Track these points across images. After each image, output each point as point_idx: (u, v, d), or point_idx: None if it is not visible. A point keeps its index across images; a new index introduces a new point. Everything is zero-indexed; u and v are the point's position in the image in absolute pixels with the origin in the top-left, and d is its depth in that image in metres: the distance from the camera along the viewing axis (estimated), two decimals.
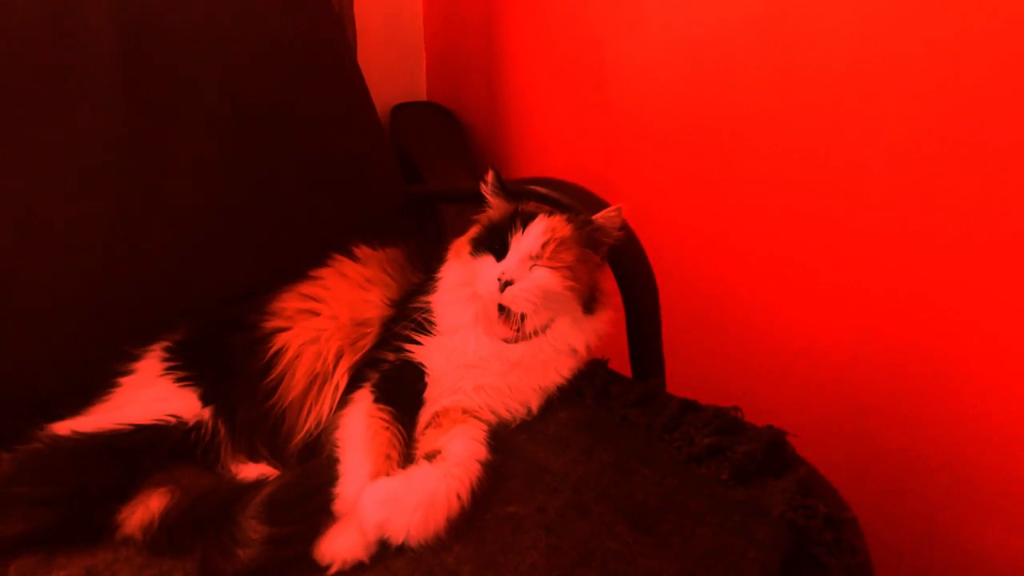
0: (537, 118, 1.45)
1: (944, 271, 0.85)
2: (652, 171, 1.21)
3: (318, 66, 1.03)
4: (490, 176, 0.80)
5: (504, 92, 1.54)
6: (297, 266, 0.84)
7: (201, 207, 0.88)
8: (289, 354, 0.74)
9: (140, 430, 0.64)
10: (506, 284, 0.68)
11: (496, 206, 0.79)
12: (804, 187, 0.97)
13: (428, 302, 0.76)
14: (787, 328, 1.06)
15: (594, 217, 0.75)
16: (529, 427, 0.72)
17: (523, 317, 0.69)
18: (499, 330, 0.71)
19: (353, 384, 0.71)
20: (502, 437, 0.69)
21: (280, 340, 0.75)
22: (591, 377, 0.78)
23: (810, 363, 1.03)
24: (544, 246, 0.71)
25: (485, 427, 0.69)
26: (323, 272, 0.84)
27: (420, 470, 0.59)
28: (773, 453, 0.61)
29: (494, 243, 0.73)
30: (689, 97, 1.12)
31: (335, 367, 0.74)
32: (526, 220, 0.73)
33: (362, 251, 0.86)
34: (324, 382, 0.73)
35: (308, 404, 0.72)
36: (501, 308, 0.69)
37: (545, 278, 0.69)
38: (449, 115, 1.74)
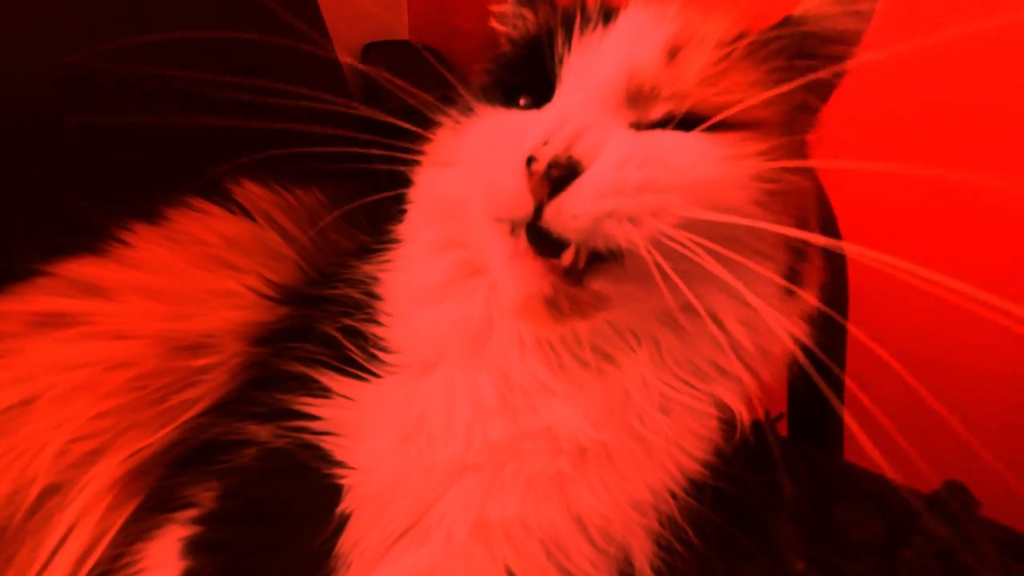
0: None
1: None
2: None
3: None
4: None
5: None
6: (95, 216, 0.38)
7: None
8: None
9: None
10: (562, 164, 0.21)
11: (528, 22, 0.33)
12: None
13: (374, 279, 0.31)
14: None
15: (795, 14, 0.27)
16: None
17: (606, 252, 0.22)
18: (527, 271, 0.24)
19: (143, 520, 0.27)
20: None
21: None
22: (761, 467, 0.31)
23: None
24: (674, 53, 0.25)
25: None
26: (137, 232, 0.37)
27: None
28: None
29: (525, 79, 0.27)
30: None
31: (89, 468, 0.27)
32: (609, 13, 0.27)
33: (244, 190, 0.40)
34: (47, 518, 0.26)
35: None
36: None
37: (700, 151, 0.23)
38: (437, 58, 1.39)
